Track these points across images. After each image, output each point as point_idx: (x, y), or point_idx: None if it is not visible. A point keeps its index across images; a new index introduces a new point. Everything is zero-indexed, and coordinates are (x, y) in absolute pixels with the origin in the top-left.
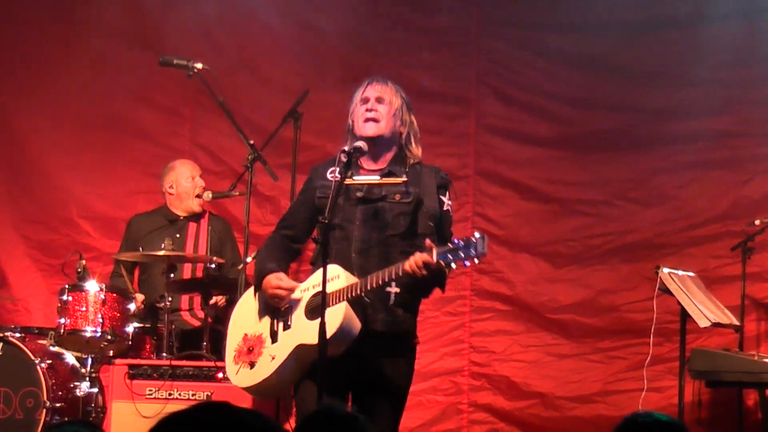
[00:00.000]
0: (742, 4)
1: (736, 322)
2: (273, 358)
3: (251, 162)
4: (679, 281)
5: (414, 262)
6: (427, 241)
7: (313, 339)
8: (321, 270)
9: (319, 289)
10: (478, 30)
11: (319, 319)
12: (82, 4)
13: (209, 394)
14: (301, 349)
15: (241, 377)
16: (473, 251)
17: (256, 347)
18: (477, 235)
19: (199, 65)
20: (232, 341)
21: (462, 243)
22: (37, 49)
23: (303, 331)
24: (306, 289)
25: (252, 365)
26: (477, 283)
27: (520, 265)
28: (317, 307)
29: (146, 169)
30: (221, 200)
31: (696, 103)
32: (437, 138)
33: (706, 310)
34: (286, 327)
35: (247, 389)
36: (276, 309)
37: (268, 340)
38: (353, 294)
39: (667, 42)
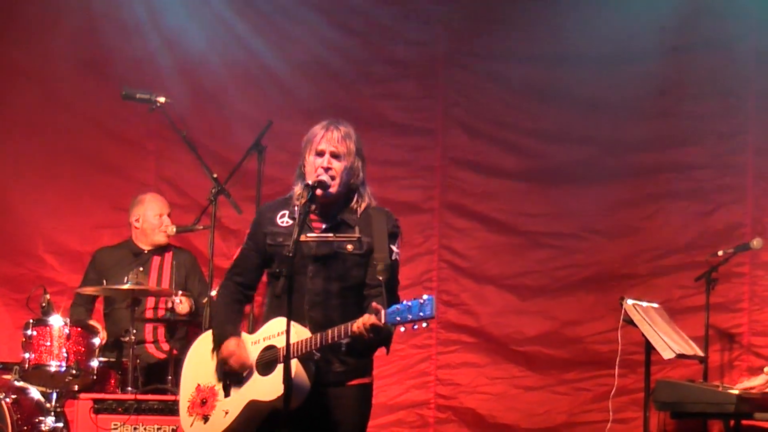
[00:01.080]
0: (706, 38)
1: (701, 353)
2: (226, 414)
3: (215, 195)
4: (643, 312)
5: (362, 324)
6: (374, 304)
7: (264, 395)
8: (271, 322)
9: (271, 342)
10: (444, 62)
11: (270, 375)
12: (43, 36)
13: (174, 428)
14: (252, 405)
15: (195, 430)
16: (422, 314)
17: (210, 400)
18: (425, 297)
19: (162, 99)
20: (186, 391)
21: (410, 305)
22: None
23: (255, 386)
24: (257, 342)
25: (206, 419)
26: (443, 316)
27: (486, 297)
28: (269, 362)
29: (112, 203)
30: (186, 234)
31: (661, 135)
32: (403, 170)
33: (670, 342)
34: (238, 382)
35: None
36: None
37: (221, 393)
38: (303, 351)
39: (633, 75)
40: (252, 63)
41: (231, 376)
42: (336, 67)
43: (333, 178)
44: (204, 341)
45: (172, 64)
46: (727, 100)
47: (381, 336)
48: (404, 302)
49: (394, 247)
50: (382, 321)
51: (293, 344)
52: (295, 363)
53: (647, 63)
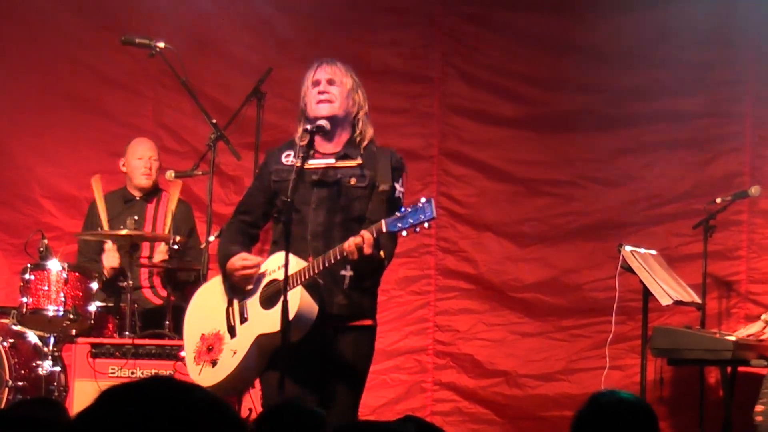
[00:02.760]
0: None
1: (698, 300)
2: (235, 353)
3: (214, 141)
4: (641, 259)
5: (352, 243)
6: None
7: (272, 327)
8: (272, 257)
9: (272, 277)
10: (442, 9)
11: (275, 307)
12: None
13: (172, 372)
14: (262, 339)
15: (204, 377)
16: (422, 216)
17: (216, 345)
18: (423, 200)
19: (162, 44)
20: (190, 343)
21: (410, 210)
22: None
23: (261, 321)
24: (259, 278)
25: (214, 363)
26: (442, 263)
27: (484, 244)
28: (272, 296)
29: (109, 148)
30: (184, 179)
31: (660, 83)
32: (401, 117)
33: (668, 288)
34: (243, 320)
35: (211, 388)
36: (230, 304)
37: (227, 335)
38: (305, 277)
39: (633, 22)
40: (250, 10)
41: (232, 305)
42: (334, 14)
43: (331, 101)
44: (202, 293)
45: (169, 10)
46: (725, 49)
47: (366, 259)
48: (403, 207)
49: (398, 185)
50: (384, 228)
51: (292, 275)
52: (300, 290)
53: (646, 11)
